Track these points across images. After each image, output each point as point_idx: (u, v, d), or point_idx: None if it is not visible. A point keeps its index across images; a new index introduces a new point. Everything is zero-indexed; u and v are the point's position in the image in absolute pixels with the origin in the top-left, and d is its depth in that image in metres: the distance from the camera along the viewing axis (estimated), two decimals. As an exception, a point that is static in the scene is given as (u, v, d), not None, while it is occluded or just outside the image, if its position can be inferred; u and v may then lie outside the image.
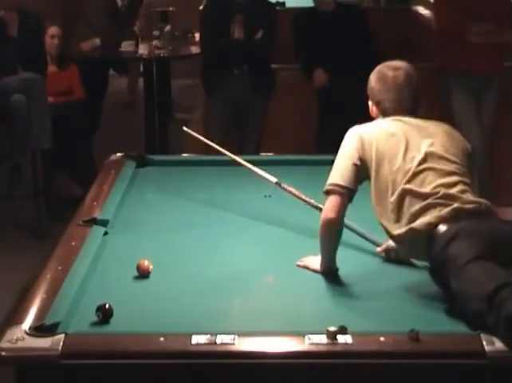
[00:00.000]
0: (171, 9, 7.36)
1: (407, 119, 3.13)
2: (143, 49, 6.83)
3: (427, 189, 2.93)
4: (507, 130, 5.97)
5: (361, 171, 3.05)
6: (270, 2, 6.27)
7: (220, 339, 2.50)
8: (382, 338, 2.51)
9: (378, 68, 3.25)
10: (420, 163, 2.98)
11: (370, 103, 3.25)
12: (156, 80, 7.04)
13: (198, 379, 2.51)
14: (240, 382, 2.52)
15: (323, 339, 2.50)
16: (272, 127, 5.91)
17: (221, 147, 4.04)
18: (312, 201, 3.47)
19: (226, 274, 3.11)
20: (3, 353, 2.47)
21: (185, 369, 2.49)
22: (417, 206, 2.91)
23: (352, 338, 2.51)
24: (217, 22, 5.76)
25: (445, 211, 2.87)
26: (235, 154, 4.05)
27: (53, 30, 6.26)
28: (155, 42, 6.97)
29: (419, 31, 7.27)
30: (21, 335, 2.52)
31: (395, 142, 3.04)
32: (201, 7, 6.46)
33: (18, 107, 5.48)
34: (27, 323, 2.59)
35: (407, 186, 2.94)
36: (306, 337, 2.51)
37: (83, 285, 2.94)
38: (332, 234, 3.04)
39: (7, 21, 5.67)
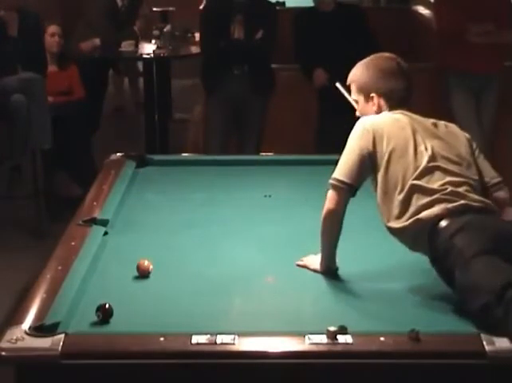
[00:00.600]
0: (171, 9, 7.38)
1: (412, 114, 3.12)
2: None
3: (434, 186, 2.93)
4: (507, 130, 5.97)
5: (368, 166, 3.02)
6: (270, 2, 6.27)
7: (220, 339, 2.49)
8: (382, 338, 2.51)
9: (369, 61, 3.20)
10: (429, 161, 2.97)
11: (372, 97, 3.16)
12: (156, 80, 7.04)
13: (198, 379, 2.50)
14: (240, 382, 2.52)
15: (323, 339, 2.50)
16: (272, 127, 5.91)
17: (221, 147, 4.03)
18: None
19: (227, 274, 3.10)
20: (3, 353, 2.46)
21: (185, 369, 2.49)
22: (425, 200, 2.91)
23: (352, 338, 2.50)
24: (217, 22, 5.75)
25: (452, 205, 2.88)
26: (235, 154, 4.04)
27: (52, 29, 6.25)
28: (154, 42, 6.98)
29: (419, 31, 7.27)
30: (21, 335, 2.51)
31: (404, 136, 3.02)
32: (201, 7, 6.47)
33: (18, 107, 5.47)
34: (27, 323, 2.59)
35: (416, 182, 2.94)
36: (306, 337, 2.51)
37: (83, 285, 2.94)
38: (333, 225, 3.03)
39: (7, 21, 5.66)
